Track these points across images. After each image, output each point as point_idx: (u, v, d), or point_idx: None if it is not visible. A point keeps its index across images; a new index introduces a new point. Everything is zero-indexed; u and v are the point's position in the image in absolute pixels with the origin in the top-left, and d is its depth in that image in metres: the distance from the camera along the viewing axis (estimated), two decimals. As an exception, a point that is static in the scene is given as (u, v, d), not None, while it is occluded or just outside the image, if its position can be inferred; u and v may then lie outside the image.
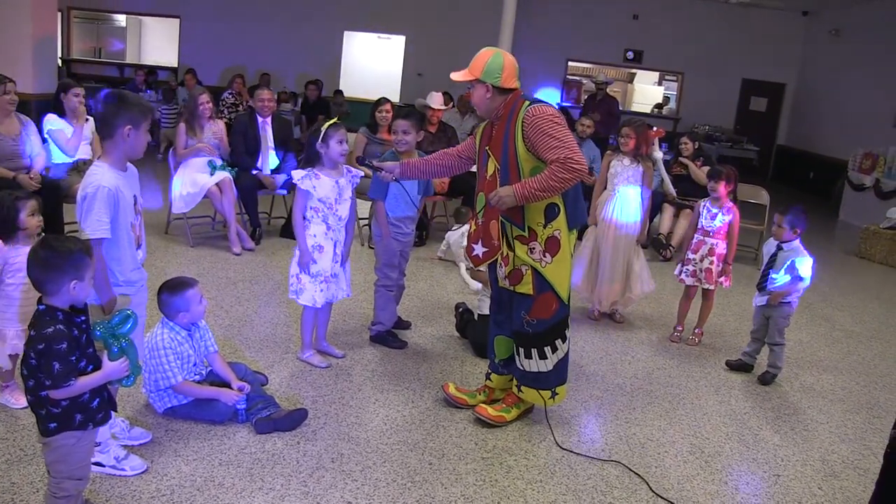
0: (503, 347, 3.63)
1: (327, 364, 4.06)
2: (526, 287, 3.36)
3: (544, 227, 3.31)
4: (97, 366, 2.30)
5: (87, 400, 2.28)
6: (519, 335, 3.49)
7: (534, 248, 3.32)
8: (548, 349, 3.45)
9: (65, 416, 2.24)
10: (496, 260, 3.46)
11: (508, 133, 3.27)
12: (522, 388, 3.55)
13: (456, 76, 3.39)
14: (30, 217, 3.15)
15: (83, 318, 2.32)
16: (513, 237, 3.35)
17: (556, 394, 3.54)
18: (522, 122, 3.21)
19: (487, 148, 3.42)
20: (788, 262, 4.35)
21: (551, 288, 3.36)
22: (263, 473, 2.98)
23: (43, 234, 5.40)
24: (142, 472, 2.89)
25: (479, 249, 3.51)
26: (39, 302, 2.25)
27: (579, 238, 6.33)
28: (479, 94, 3.33)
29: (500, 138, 3.32)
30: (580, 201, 3.44)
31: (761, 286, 4.49)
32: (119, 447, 2.91)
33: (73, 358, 2.20)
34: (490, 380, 3.74)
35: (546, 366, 3.46)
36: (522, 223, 3.32)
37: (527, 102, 3.27)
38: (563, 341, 3.48)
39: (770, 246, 4.51)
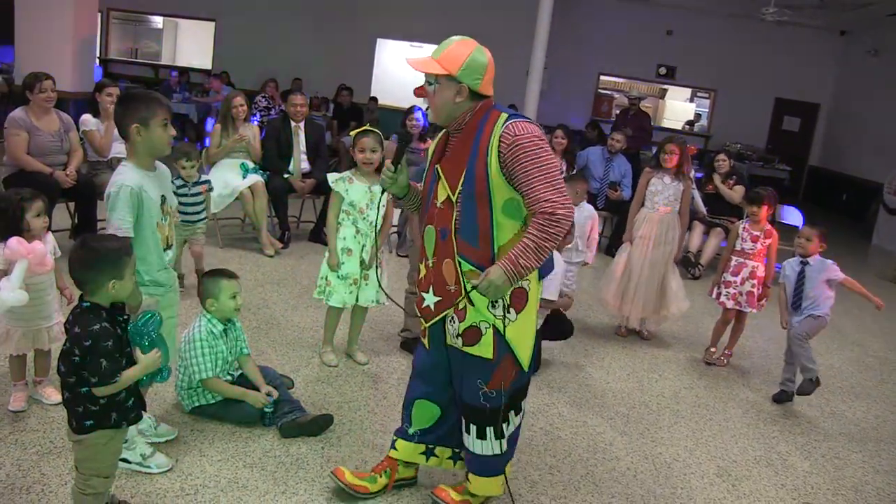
0: (425, 415, 2.91)
1: (335, 364, 4.09)
2: (486, 349, 2.64)
3: None
4: (132, 364, 2.31)
5: (124, 399, 2.30)
6: (474, 410, 2.74)
7: (497, 303, 2.60)
8: (505, 426, 2.77)
9: (101, 414, 2.25)
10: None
11: (477, 150, 2.55)
12: (470, 476, 2.87)
13: (421, 65, 2.62)
14: (35, 218, 3.09)
15: (125, 316, 2.34)
16: (472, 287, 2.59)
17: (505, 474, 2.89)
18: (500, 140, 2.51)
19: (438, 167, 2.68)
20: (822, 277, 4.32)
21: (511, 351, 2.67)
22: (287, 477, 2.97)
23: (76, 230, 5.53)
24: (167, 471, 2.90)
25: (430, 299, 2.73)
26: (81, 299, 2.26)
27: (609, 254, 6.32)
28: (447, 95, 2.59)
29: (462, 155, 2.60)
30: None
31: (796, 306, 4.43)
32: (145, 444, 2.93)
33: (117, 355, 2.22)
34: (395, 448, 2.97)
35: (501, 446, 2.78)
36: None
37: (503, 115, 2.58)
38: (517, 413, 2.83)
39: (793, 264, 4.45)
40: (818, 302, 4.36)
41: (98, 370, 2.17)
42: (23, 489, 2.68)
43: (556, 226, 2.47)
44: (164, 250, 2.84)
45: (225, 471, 2.97)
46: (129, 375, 2.26)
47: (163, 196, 2.82)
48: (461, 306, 2.63)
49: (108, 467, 2.35)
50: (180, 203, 4.66)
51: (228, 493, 2.82)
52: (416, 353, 2.98)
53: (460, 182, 2.57)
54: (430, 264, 2.71)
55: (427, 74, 2.61)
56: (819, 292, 4.36)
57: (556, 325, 4.45)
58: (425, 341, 2.88)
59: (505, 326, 2.63)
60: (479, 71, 2.56)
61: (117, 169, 2.75)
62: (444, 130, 2.75)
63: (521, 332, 2.67)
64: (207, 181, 5.31)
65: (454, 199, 2.59)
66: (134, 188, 2.65)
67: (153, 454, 2.92)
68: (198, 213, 5.14)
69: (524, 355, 2.71)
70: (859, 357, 5.61)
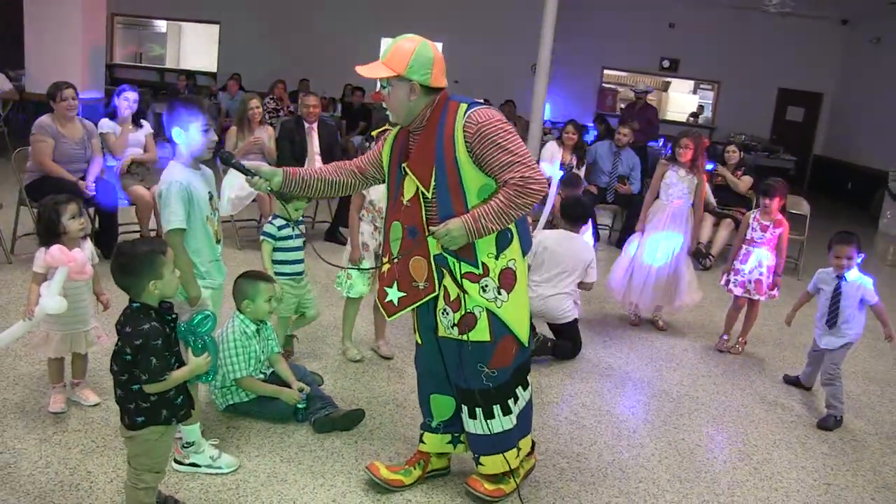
0: (442, 407, 2.99)
1: (359, 358, 4.19)
2: (482, 333, 2.73)
3: (496, 258, 2.70)
4: (181, 364, 2.41)
5: (173, 396, 2.39)
6: (478, 394, 2.81)
7: (487, 286, 2.69)
8: (511, 401, 2.86)
9: (152, 411, 2.35)
10: (432, 305, 2.80)
11: (443, 144, 2.61)
12: (482, 459, 2.93)
13: (368, 71, 2.62)
14: (70, 221, 3.15)
15: (173, 316, 2.43)
16: (461, 275, 2.69)
17: (520, 448, 2.96)
18: (464, 130, 2.58)
19: (405, 165, 2.72)
20: (857, 294, 4.13)
21: (509, 330, 2.77)
22: (324, 470, 3.06)
23: (97, 235, 5.62)
24: (236, 469, 2.98)
25: (394, 295, 2.80)
26: (131, 301, 2.35)
27: (618, 246, 6.41)
28: (400, 95, 2.62)
29: (428, 151, 2.65)
30: (527, 222, 2.89)
31: (831, 324, 4.18)
32: (211, 447, 3.00)
33: (167, 354, 2.31)
34: (423, 442, 3.05)
35: (510, 421, 2.87)
36: (475, 258, 2.68)
37: (463, 105, 2.64)
38: (525, 388, 2.94)
39: (827, 278, 4.24)
40: (851, 323, 4.16)
41: (148, 368, 2.26)
42: (71, 486, 2.78)
43: (526, 197, 2.56)
44: (216, 243, 3.04)
45: (263, 465, 3.06)
46: (177, 376, 2.35)
47: (209, 193, 3.00)
48: (454, 297, 2.71)
49: (160, 462, 2.44)
50: (283, 250, 3.91)
51: (269, 487, 2.91)
52: (416, 352, 3.05)
53: (432, 177, 2.64)
54: (395, 260, 2.79)
55: (379, 79, 2.65)
56: (853, 312, 4.14)
57: (564, 347, 4.60)
58: (417, 337, 2.97)
59: (499, 308, 2.73)
60: (426, 66, 2.61)
61: (166, 169, 2.96)
62: (399, 128, 2.80)
63: (516, 310, 2.78)
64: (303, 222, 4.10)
65: (429, 195, 2.66)
66: (183, 183, 2.86)
67: (220, 455, 3.00)
68: (301, 260, 4.02)
69: (522, 332, 2.83)
70: (871, 343, 5.66)
